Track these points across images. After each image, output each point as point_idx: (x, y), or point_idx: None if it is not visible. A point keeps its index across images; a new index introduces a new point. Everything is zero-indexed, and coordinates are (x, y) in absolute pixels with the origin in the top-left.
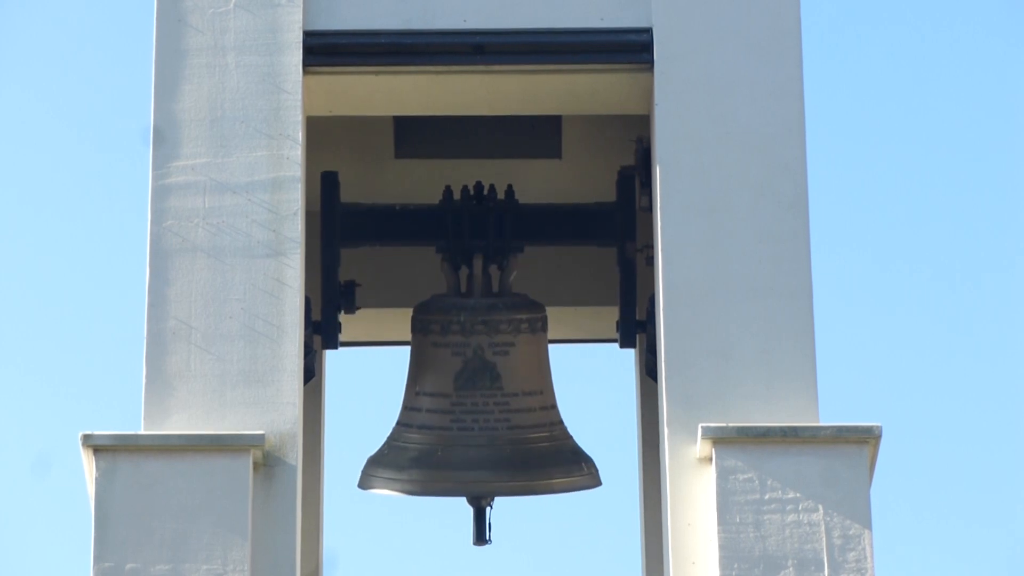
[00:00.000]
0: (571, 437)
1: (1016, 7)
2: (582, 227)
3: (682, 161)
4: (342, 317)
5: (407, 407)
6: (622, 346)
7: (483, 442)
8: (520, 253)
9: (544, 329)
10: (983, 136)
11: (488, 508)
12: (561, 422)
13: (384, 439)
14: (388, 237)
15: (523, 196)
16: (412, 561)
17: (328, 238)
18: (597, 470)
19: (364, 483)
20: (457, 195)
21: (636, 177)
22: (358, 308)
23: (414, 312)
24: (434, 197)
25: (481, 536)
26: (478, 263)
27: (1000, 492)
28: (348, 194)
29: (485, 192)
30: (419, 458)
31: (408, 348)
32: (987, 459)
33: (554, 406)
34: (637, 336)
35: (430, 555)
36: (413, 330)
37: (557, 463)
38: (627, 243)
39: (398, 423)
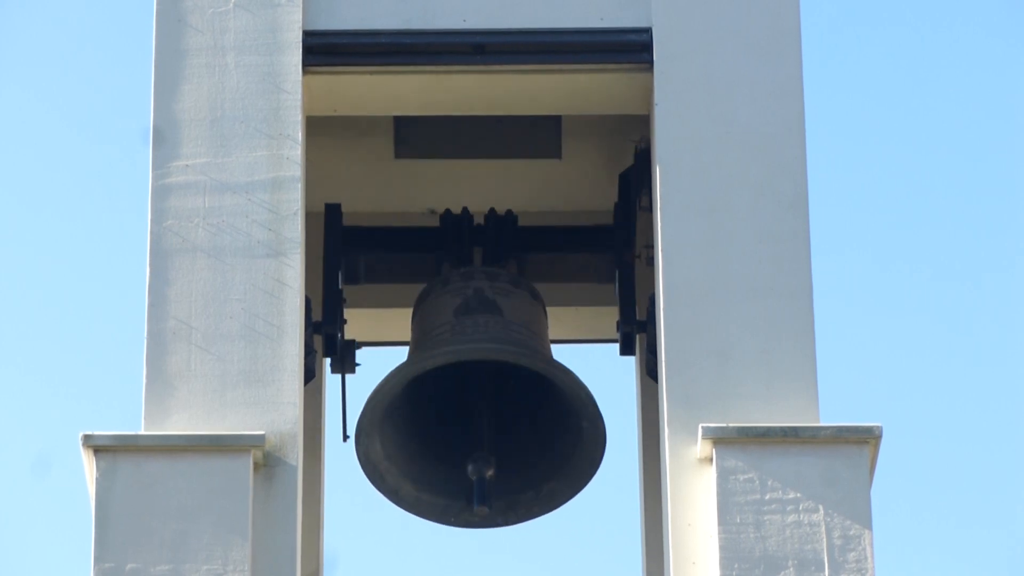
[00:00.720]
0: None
1: (1016, 7)
2: (582, 248)
3: (682, 161)
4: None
5: (408, 355)
6: (622, 353)
7: (487, 337)
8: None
9: (544, 311)
10: (983, 136)
11: (488, 477)
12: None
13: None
14: (390, 276)
15: (522, 197)
16: (413, 561)
17: (331, 272)
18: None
19: (368, 406)
20: (457, 209)
21: (635, 181)
22: (359, 364)
23: (416, 299)
24: (434, 197)
25: (483, 500)
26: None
27: (1000, 492)
28: (348, 194)
29: (485, 216)
30: (420, 352)
31: (407, 349)
32: (987, 459)
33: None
34: (637, 336)
35: (431, 555)
36: (414, 313)
37: (564, 370)
38: (626, 251)
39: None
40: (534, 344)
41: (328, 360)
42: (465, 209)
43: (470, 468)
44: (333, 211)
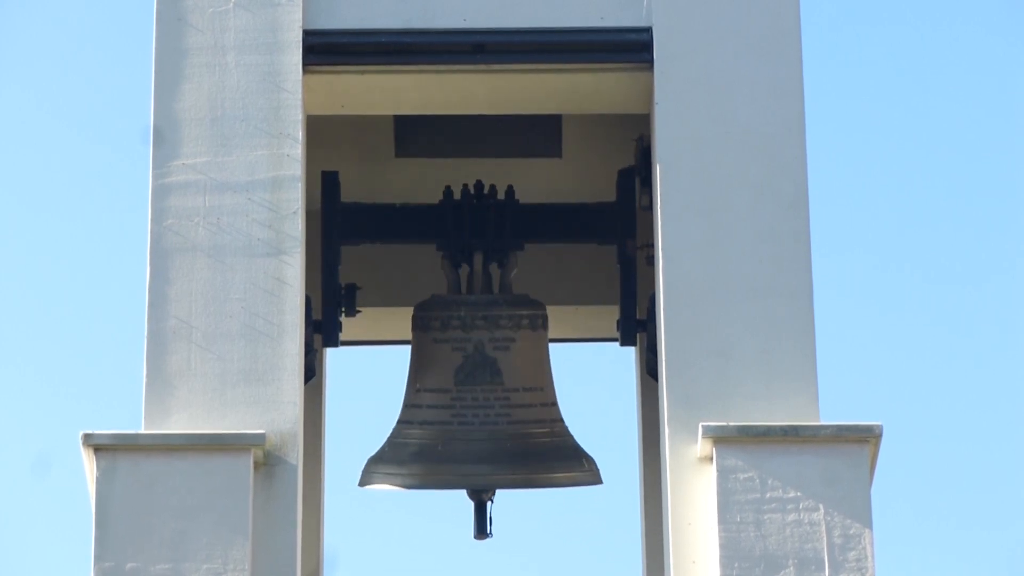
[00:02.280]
0: (571, 436)
1: (1016, 7)
2: (582, 225)
3: (682, 161)
4: (342, 318)
5: (408, 404)
6: (623, 344)
7: (484, 436)
8: (520, 251)
9: (544, 327)
10: (983, 136)
11: (489, 502)
12: (562, 420)
13: (384, 439)
14: (388, 235)
15: (523, 195)
16: (412, 560)
17: (329, 237)
18: (598, 469)
19: (365, 480)
20: (457, 194)
21: (636, 176)
22: (359, 311)
23: (415, 311)
24: (434, 196)
25: (482, 529)
26: (478, 261)
27: (1000, 492)
28: (348, 193)
29: (485, 191)
30: (420, 453)
31: (408, 348)
32: (987, 459)
33: (555, 404)
34: (637, 335)
35: (430, 554)
36: (414, 328)
37: (558, 458)
38: (627, 241)
39: (399, 421)
40: (532, 425)
41: (325, 360)
42: (466, 186)
43: (468, 493)
44: (330, 178)
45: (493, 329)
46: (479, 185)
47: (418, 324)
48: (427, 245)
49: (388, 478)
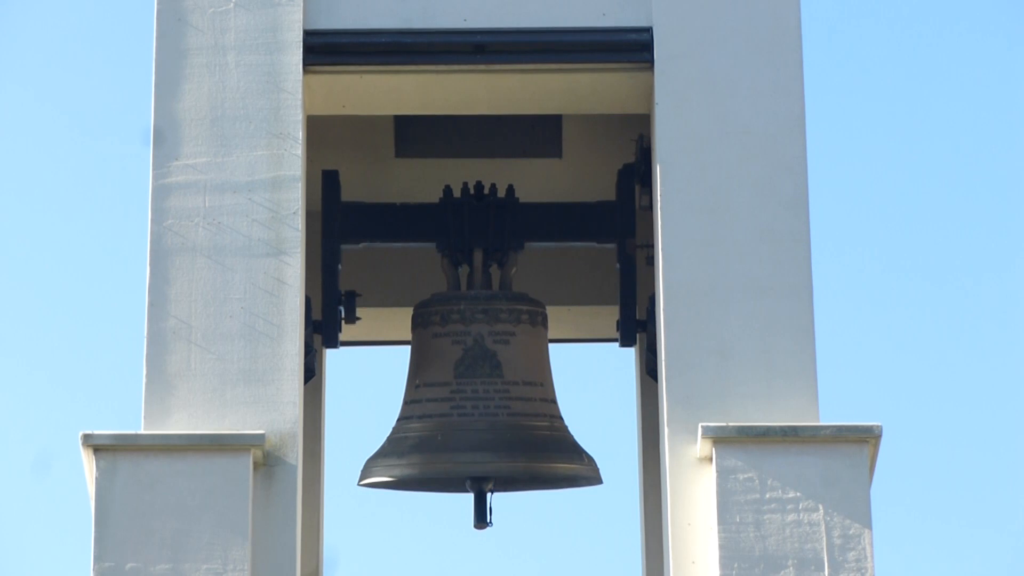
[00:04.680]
0: (571, 434)
1: (1016, 7)
2: (582, 225)
3: (682, 160)
4: (342, 322)
5: (407, 401)
6: (622, 345)
7: (484, 426)
8: (520, 251)
9: (544, 325)
10: (983, 136)
11: (489, 492)
12: (561, 418)
13: (384, 439)
14: (388, 235)
15: (523, 195)
16: (413, 560)
17: (329, 236)
18: (597, 468)
19: (364, 476)
20: (457, 193)
21: (635, 174)
22: (358, 318)
23: (415, 309)
24: (434, 196)
25: (482, 519)
26: (478, 260)
27: (1000, 492)
28: (348, 193)
29: (485, 190)
30: (419, 444)
31: (408, 349)
32: (987, 459)
33: (554, 401)
34: (637, 335)
35: (430, 554)
36: (413, 326)
37: (558, 450)
38: (627, 240)
39: (399, 419)
40: (532, 418)
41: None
42: (466, 184)
43: (468, 483)
44: (330, 177)
45: (493, 323)
46: (479, 185)
47: (418, 322)
48: (427, 245)
49: (387, 470)
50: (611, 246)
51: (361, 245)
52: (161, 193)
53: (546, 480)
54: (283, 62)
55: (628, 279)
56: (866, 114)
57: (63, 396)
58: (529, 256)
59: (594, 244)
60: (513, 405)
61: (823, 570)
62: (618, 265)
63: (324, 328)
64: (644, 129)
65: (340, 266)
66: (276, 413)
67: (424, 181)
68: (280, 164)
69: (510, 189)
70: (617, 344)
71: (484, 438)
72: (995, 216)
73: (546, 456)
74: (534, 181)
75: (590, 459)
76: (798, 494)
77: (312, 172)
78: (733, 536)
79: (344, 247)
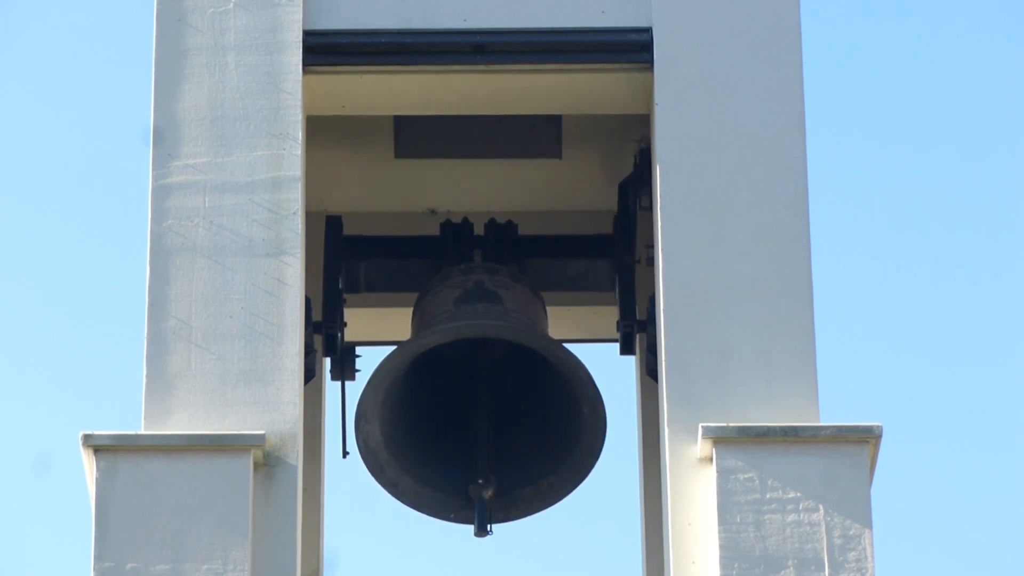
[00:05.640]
0: None
1: (1016, 7)
2: (581, 251)
3: (682, 161)
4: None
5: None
6: (623, 352)
7: (489, 317)
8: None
9: (543, 308)
10: (984, 136)
11: (488, 500)
12: None
13: None
14: (389, 284)
15: (523, 196)
16: (413, 560)
17: (330, 279)
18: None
19: (373, 381)
20: (457, 211)
21: (635, 190)
22: (358, 370)
23: (416, 299)
24: (434, 199)
25: (482, 527)
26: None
27: (1000, 492)
28: (348, 194)
29: (485, 225)
30: (423, 330)
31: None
32: (987, 459)
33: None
34: (637, 336)
35: (430, 555)
36: (414, 315)
37: (562, 348)
38: (625, 258)
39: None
40: (534, 328)
41: (328, 364)
42: (465, 219)
43: (470, 489)
44: (334, 223)
45: (493, 275)
46: (476, 213)
47: (419, 298)
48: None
49: (400, 353)
50: (611, 247)
51: (361, 293)
52: (161, 193)
53: (559, 355)
54: (283, 62)
55: (627, 288)
56: (866, 114)
57: (63, 396)
58: (529, 261)
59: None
60: (517, 321)
61: (823, 570)
62: (617, 277)
63: (324, 339)
64: (644, 130)
65: (341, 276)
66: (276, 413)
67: (424, 181)
68: (280, 164)
69: (509, 224)
70: (617, 345)
71: (493, 316)
72: (995, 216)
73: (554, 343)
74: (533, 182)
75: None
76: (798, 494)
77: (312, 172)
78: (733, 536)
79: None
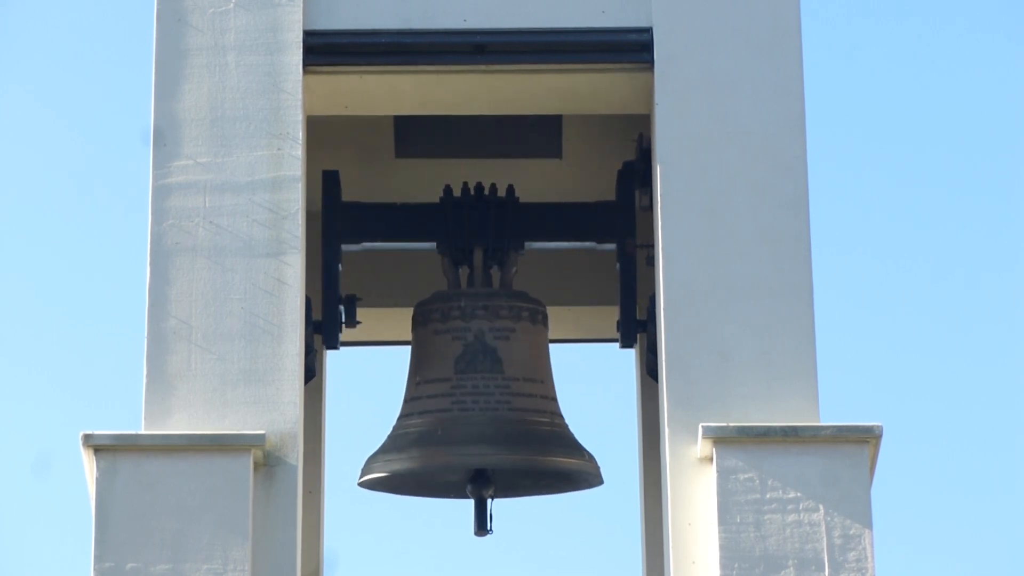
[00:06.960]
0: (572, 432)
1: (1016, 7)
2: (582, 224)
3: (682, 161)
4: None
5: (408, 399)
6: (623, 346)
7: (484, 420)
8: (521, 251)
9: (544, 323)
10: (984, 135)
11: (489, 499)
12: (562, 416)
13: (385, 438)
14: (389, 234)
15: (523, 195)
16: (413, 560)
17: (329, 236)
18: (599, 467)
19: (365, 473)
20: (457, 192)
21: (635, 172)
22: (358, 321)
23: (415, 308)
24: (434, 196)
25: (482, 526)
26: (478, 260)
27: (1000, 492)
28: (349, 194)
29: (486, 191)
30: (419, 439)
31: (408, 348)
32: (987, 459)
33: (555, 399)
34: (637, 336)
35: (430, 555)
36: (414, 325)
37: (559, 445)
38: (627, 240)
39: (399, 417)
40: (533, 414)
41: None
42: (465, 185)
43: (469, 488)
44: (331, 177)
45: (493, 319)
46: (479, 185)
47: (419, 320)
48: (427, 245)
49: (387, 466)
50: (611, 246)
51: (361, 245)
52: (161, 193)
53: (547, 475)
54: (283, 62)
55: (628, 279)
56: (866, 114)
57: (63, 396)
58: (529, 256)
59: (594, 244)
60: (514, 401)
61: (823, 570)
62: (618, 265)
63: (324, 328)
64: (644, 130)
65: (340, 266)
66: (276, 413)
67: (424, 181)
68: (280, 164)
69: (510, 189)
70: (617, 344)
71: (485, 432)
72: (995, 216)
73: (547, 450)
74: (534, 181)
75: (591, 457)
76: (798, 494)
77: (312, 172)
78: (733, 536)
79: (344, 247)
